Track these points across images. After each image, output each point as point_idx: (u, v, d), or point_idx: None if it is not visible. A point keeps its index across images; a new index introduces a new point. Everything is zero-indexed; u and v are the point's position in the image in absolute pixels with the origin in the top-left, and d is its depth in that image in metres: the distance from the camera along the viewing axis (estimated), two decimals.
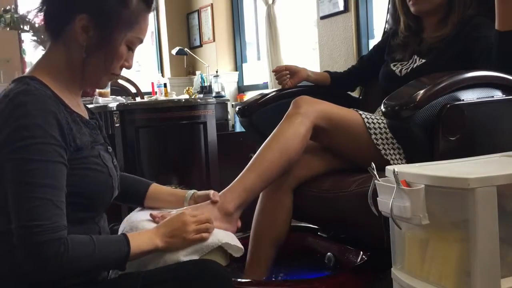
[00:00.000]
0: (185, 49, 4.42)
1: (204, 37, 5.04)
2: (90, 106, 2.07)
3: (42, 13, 1.09)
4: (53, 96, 1.03)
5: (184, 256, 1.11)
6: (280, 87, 2.06)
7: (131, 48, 1.12)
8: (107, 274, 1.16)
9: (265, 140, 1.56)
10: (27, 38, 3.54)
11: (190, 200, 1.36)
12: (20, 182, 0.94)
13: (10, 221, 0.95)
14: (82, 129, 1.07)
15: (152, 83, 4.64)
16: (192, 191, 1.38)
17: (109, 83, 2.40)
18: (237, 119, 3.10)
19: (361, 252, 1.58)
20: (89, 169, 1.05)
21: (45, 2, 1.08)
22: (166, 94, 3.99)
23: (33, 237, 0.92)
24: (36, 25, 3.09)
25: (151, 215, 1.25)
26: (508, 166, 1.08)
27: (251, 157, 1.54)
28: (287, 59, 4.06)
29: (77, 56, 1.07)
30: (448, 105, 1.35)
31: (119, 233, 1.23)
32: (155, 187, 1.36)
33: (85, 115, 1.15)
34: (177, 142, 2.92)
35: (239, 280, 1.46)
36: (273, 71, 2.13)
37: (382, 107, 1.39)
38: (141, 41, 1.13)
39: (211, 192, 1.38)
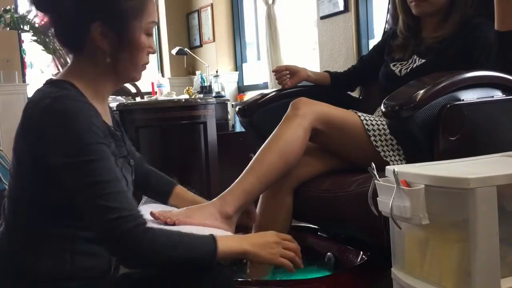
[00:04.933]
0: (185, 49, 4.41)
1: (204, 37, 5.03)
2: None
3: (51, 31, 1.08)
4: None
5: None
6: (280, 87, 2.06)
7: (149, 34, 1.11)
8: (109, 274, 1.16)
9: (265, 140, 1.56)
10: (27, 38, 3.55)
11: None
12: (87, 184, 0.95)
13: (49, 221, 1.00)
14: (109, 139, 1.06)
15: (152, 83, 4.63)
16: None
17: None
18: (237, 119, 3.10)
19: (361, 252, 1.58)
20: None
21: (53, 23, 1.07)
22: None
23: (120, 226, 0.94)
24: (36, 25, 3.10)
25: (151, 213, 1.25)
26: (508, 166, 1.08)
27: (251, 157, 1.54)
28: (287, 59, 4.05)
29: (105, 61, 1.07)
30: (448, 105, 1.35)
31: None
32: (179, 191, 1.38)
33: (110, 123, 1.15)
34: (177, 142, 2.93)
35: (240, 279, 1.46)
36: (273, 71, 2.13)
37: (382, 107, 1.39)
38: (154, 24, 1.12)
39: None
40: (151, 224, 1.17)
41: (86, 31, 1.04)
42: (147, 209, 1.30)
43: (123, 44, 1.06)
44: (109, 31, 1.04)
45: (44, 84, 1.06)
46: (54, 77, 1.10)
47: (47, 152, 0.97)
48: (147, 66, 1.14)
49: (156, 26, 5.43)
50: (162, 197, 1.37)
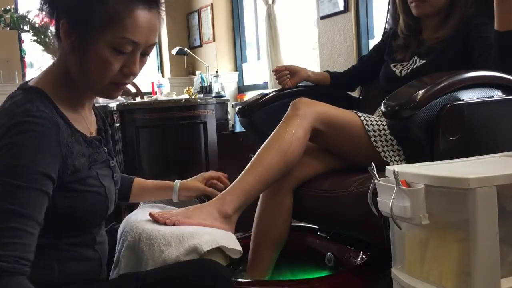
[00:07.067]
0: (185, 49, 4.42)
1: (204, 37, 5.04)
2: None
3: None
4: (57, 114, 1.00)
5: (184, 256, 1.10)
6: (280, 87, 2.06)
7: (121, 52, 0.99)
8: (107, 274, 1.16)
9: (265, 140, 1.56)
10: (27, 38, 3.54)
11: (180, 191, 1.40)
12: None
13: None
14: (82, 149, 1.04)
15: (152, 83, 4.64)
16: (178, 182, 1.41)
17: None
18: (237, 119, 3.10)
19: (361, 252, 1.58)
20: (86, 191, 1.04)
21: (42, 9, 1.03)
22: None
23: None
24: (36, 25, 3.10)
25: (150, 214, 1.25)
26: (508, 166, 1.08)
27: (251, 157, 1.54)
28: (287, 59, 4.06)
29: (69, 64, 1.03)
30: (448, 105, 1.35)
31: (118, 233, 1.23)
32: (138, 183, 1.39)
33: (91, 128, 1.13)
34: (177, 142, 2.92)
35: (239, 280, 1.46)
36: (273, 71, 2.13)
37: (382, 107, 1.39)
38: (132, 43, 0.99)
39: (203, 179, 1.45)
40: (146, 226, 1.17)
41: (58, 25, 1.00)
42: (147, 210, 1.30)
43: (82, 49, 0.99)
44: (72, 31, 0.98)
45: (18, 89, 1.03)
46: (28, 82, 1.06)
47: None
48: (123, 86, 1.05)
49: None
50: (123, 196, 1.36)
